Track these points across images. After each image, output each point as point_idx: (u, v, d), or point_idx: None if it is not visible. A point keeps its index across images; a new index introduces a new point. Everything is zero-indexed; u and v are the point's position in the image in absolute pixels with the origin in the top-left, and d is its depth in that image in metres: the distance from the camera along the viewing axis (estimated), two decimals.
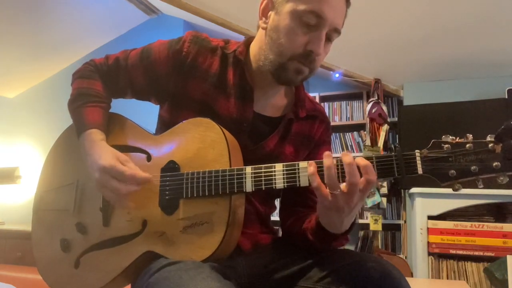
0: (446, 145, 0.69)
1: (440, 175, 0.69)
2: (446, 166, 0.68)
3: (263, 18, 0.88)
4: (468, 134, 0.69)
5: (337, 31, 0.84)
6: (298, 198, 0.95)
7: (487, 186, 0.68)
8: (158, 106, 0.98)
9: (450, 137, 0.69)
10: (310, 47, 0.81)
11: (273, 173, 0.76)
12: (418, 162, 0.69)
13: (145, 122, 0.97)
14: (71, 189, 0.93)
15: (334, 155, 0.70)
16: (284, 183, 0.75)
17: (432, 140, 0.70)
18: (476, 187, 0.69)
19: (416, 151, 0.70)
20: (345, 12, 0.86)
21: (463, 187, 0.69)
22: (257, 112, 0.91)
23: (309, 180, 0.72)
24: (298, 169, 0.74)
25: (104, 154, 0.82)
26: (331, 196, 0.70)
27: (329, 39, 0.84)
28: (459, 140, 0.69)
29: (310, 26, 0.80)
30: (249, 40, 0.94)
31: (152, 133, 0.92)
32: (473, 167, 0.67)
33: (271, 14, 0.86)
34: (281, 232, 1.00)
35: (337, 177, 0.69)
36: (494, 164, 0.65)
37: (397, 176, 0.70)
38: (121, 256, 0.82)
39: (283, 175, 0.75)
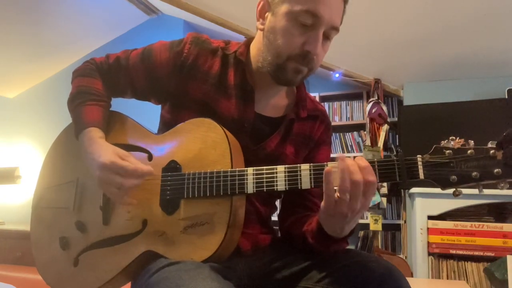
0: (448, 151, 0.69)
1: (441, 181, 0.69)
2: (448, 171, 0.69)
3: (260, 20, 0.88)
4: (469, 140, 0.69)
5: (335, 29, 0.83)
6: (298, 199, 0.95)
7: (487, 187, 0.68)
8: (160, 106, 0.98)
9: (451, 142, 0.69)
10: (307, 47, 0.80)
11: (275, 175, 0.76)
12: (420, 167, 0.69)
13: (148, 121, 0.97)
14: (71, 187, 0.93)
15: (334, 155, 0.70)
16: (285, 185, 0.75)
17: (434, 146, 0.70)
18: (476, 187, 0.69)
19: (418, 156, 0.70)
20: (343, 9, 0.84)
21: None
22: (258, 113, 0.91)
23: (312, 184, 0.72)
24: (300, 171, 0.74)
25: (103, 151, 0.81)
26: (338, 201, 0.69)
27: (327, 37, 0.84)
28: (460, 141, 0.69)
29: (307, 26, 0.80)
30: (249, 40, 0.94)
31: (153, 132, 0.91)
32: (474, 173, 0.67)
33: (268, 15, 0.86)
34: (279, 233, 1.00)
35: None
36: (495, 170, 0.66)
37: (399, 180, 0.70)
38: (121, 255, 0.82)
39: (285, 177, 0.75)
